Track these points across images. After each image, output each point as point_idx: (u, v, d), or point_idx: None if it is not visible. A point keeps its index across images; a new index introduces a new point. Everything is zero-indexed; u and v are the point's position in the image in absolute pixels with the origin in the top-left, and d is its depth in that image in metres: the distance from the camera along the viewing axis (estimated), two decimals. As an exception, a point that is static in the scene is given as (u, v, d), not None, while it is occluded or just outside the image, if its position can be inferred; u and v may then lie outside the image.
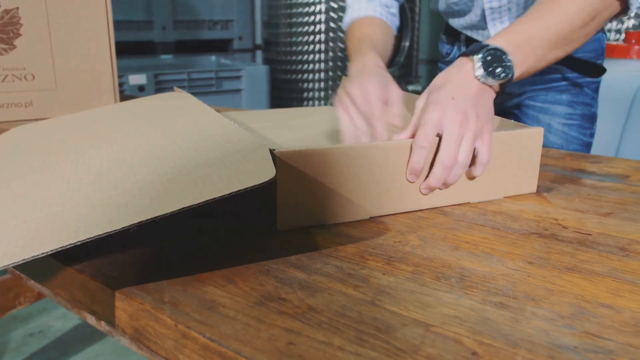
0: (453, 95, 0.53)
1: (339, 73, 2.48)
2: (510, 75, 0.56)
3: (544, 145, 0.82)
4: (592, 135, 0.96)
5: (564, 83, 0.93)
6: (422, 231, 0.48)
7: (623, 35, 2.00)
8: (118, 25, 2.36)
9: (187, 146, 0.47)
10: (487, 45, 0.56)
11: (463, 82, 0.55)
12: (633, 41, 1.76)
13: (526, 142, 0.57)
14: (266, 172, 0.37)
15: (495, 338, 0.32)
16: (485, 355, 0.31)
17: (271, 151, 0.45)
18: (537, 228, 0.50)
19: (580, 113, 0.94)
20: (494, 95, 0.57)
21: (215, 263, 0.42)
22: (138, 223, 0.34)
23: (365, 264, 0.42)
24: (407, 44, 2.68)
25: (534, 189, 0.60)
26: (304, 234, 0.47)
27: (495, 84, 0.56)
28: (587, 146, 0.95)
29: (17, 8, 0.96)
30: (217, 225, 0.50)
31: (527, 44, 0.58)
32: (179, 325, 0.34)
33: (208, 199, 0.34)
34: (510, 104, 0.99)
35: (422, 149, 0.50)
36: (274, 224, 0.48)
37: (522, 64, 0.58)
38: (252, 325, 0.34)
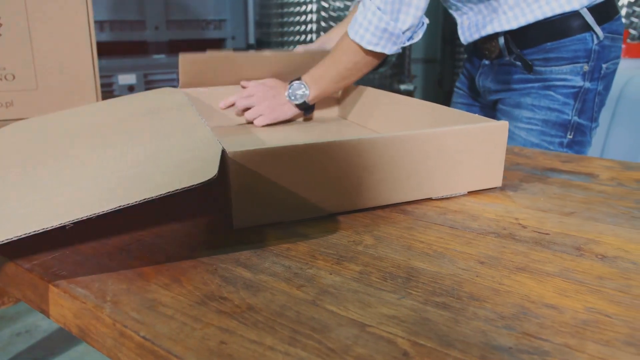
0: (265, 93, 0.91)
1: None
2: (305, 98, 0.89)
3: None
4: (565, 145, 0.91)
5: (529, 85, 0.91)
6: (379, 231, 0.48)
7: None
8: (111, 25, 2.36)
9: (151, 144, 0.47)
10: (298, 78, 0.90)
11: (274, 92, 0.93)
12: (622, 41, 1.75)
13: (490, 136, 0.57)
14: (208, 172, 0.37)
15: (431, 338, 0.32)
16: (416, 356, 0.30)
17: (224, 151, 0.45)
18: (496, 227, 0.50)
19: (543, 118, 0.90)
20: (292, 108, 0.91)
21: (165, 262, 0.42)
22: (75, 220, 0.34)
23: (314, 263, 0.42)
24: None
25: (499, 184, 0.60)
26: (259, 233, 0.47)
27: (295, 102, 0.90)
28: None
29: (-4, 7, 0.96)
30: (175, 225, 0.50)
31: (320, 77, 0.88)
32: (117, 324, 0.34)
33: (146, 197, 0.34)
34: (490, 98, 1.01)
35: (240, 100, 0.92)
36: (231, 223, 0.48)
37: (316, 89, 0.89)
38: (188, 324, 0.33)
